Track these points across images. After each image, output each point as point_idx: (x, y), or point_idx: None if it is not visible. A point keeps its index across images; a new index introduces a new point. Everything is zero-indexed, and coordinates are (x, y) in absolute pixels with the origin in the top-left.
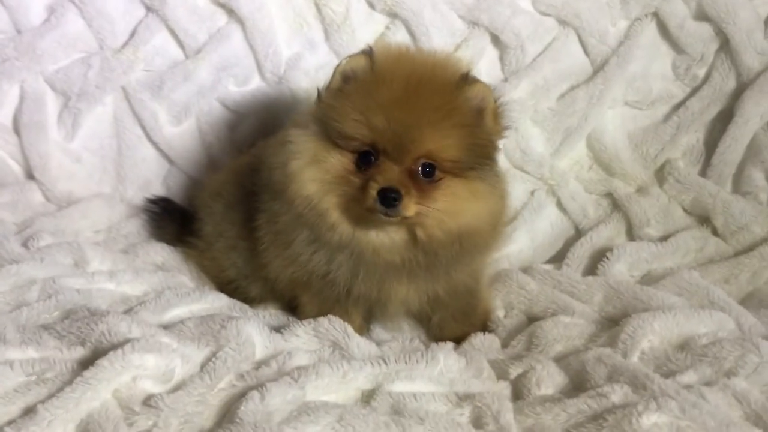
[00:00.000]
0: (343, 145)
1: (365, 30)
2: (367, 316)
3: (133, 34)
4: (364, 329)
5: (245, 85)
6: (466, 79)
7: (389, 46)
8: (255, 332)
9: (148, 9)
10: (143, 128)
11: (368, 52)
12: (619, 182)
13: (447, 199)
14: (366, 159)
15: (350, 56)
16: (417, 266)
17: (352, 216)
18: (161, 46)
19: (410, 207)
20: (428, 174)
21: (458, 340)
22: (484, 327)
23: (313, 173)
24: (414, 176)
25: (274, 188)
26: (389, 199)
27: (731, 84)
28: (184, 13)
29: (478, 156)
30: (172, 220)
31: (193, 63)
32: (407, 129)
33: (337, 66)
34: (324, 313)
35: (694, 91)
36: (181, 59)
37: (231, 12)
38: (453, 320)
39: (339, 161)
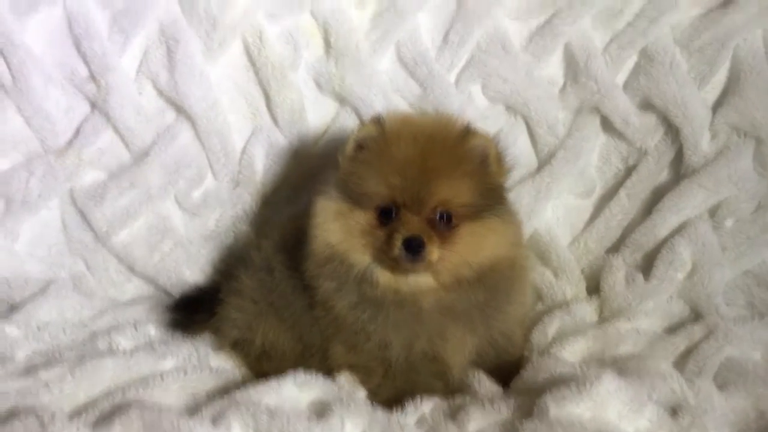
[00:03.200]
0: (365, 204)
1: (316, 116)
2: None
3: (77, 133)
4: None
5: (198, 185)
6: (468, 132)
7: (395, 113)
8: None
9: (93, 105)
10: (94, 233)
11: (378, 120)
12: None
13: (466, 241)
14: (387, 214)
15: (362, 125)
16: (455, 315)
17: (379, 263)
18: (107, 147)
19: (434, 252)
20: (446, 221)
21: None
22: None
23: (338, 226)
24: (433, 225)
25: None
26: (414, 246)
27: (666, 175)
28: (130, 111)
29: (489, 198)
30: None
31: (139, 167)
32: (422, 183)
33: (351, 135)
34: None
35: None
36: (128, 161)
37: (180, 109)
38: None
39: (362, 217)
